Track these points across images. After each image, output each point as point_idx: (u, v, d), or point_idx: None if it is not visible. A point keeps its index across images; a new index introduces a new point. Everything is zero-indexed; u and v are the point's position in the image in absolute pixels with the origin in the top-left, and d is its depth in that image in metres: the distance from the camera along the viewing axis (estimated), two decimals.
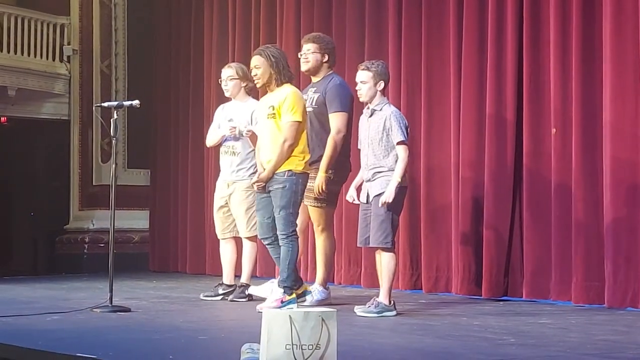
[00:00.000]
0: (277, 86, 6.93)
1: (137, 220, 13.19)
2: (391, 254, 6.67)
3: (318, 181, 7.18)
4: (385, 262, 6.66)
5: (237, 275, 8.14)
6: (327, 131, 7.31)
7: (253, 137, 7.75)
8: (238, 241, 8.15)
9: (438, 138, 8.78)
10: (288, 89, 6.89)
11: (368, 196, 6.74)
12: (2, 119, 14.67)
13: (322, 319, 4.10)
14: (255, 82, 7.08)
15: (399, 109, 7.48)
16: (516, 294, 8.01)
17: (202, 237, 11.69)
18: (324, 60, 7.49)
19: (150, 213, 13.18)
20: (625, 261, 7.18)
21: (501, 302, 7.86)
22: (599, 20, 7.46)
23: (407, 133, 6.71)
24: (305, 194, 7.17)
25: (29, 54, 13.56)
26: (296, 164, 6.82)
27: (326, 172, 7.20)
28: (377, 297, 6.63)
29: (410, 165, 7.16)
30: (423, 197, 8.82)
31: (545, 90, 7.90)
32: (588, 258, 7.43)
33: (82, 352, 4.69)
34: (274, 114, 6.85)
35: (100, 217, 13.16)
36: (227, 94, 8.19)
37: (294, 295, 6.81)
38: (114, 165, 7.13)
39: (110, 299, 6.91)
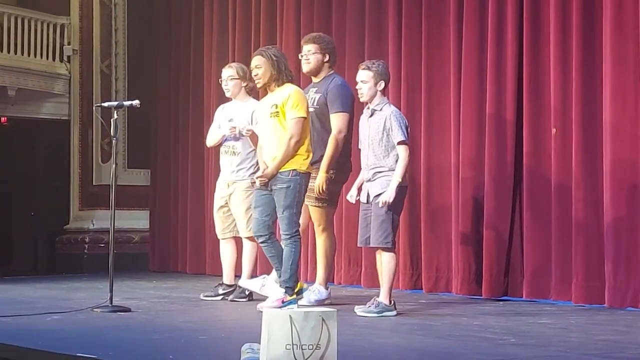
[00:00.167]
0: (278, 86, 6.94)
1: (137, 220, 13.19)
2: (391, 253, 6.67)
3: (319, 181, 7.18)
4: (385, 262, 6.66)
5: (238, 275, 8.14)
6: (329, 131, 7.31)
7: (253, 137, 7.75)
8: (238, 241, 8.16)
9: (438, 138, 8.78)
10: (290, 87, 6.90)
11: (368, 196, 6.74)
12: (2, 119, 14.67)
13: (323, 319, 4.10)
14: (256, 82, 7.08)
15: (399, 109, 7.48)
16: (516, 294, 8.01)
17: (202, 237, 11.69)
18: (325, 60, 7.49)
19: (151, 213, 13.18)
20: (625, 261, 7.18)
21: (501, 302, 7.86)
22: (599, 20, 7.47)
23: (407, 133, 6.71)
24: (306, 193, 7.18)
25: (29, 54, 13.55)
26: (300, 163, 6.82)
27: (327, 172, 7.20)
28: (378, 297, 6.63)
29: (411, 165, 7.16)
30: (423, 197, 8.82)
31: (545, 90, 7.90)
32: (588, 258, 7.43)
33: (82, 352, 4.69)
34: (277, 112, 6.85)
35: (100, 217, 13.15)
36: (227, 94, 8.19)
37: (294, 296, 6.82)
38: (114, 165, 7.13)
39: (111, 299, 6.91)
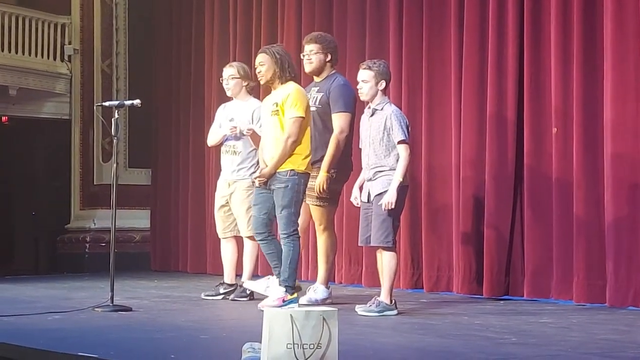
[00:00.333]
0: (281, 84, 6.95)
1: (138, 219, 13.19)
2: (392, 253, 6.67)
3: (319, 180, 7.18)
4: (386, 261, 6.66)
5: (239, 274, 8.15)
6: (330, 131, 7.31)
7: (254, 137, 7.76)
8: (239, 240, 8.16)
9: (439, 137, 8.78)
10: (291, 86, 6.91)
11: (369, 195, 6.74)
12: (3, 118, 14.68)
13: (323, 318, 4.10)
14: (259, 79, 7.10)
15: (400, 109, 7.48)
16: (517, 293, 8.01)
17: (203, 237, 11.70)
18: (327, 60, 7.49)
19: (152, 212, 13.19)
20: (626, 260, 7.18)
21: (502, 301, 7.86)
22: (600, 20, 7.47)
23: (408, 132, 6.71)
24: (307, 192, 7.18)
25: (29, 54, 13.56)
26: (299, 163, 6.83)
27: (328, 171, 7.20)
28: (379, 296, 6.63)
29: (411, 164, 7.16)
30: (424, 196, 8.82)
31: (546, 89, 7.90)
32: (589, 257, 7.43)
33: (83, 352, 4.70)
34: (277, 110, 6.87)
35: (101, 216, 13.16)
36: (228, 93, 8.19)
37: (295, 295, 6.83)
38: (115, 165, 7.13)
39: (112, 298, 6.92)
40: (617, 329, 6.00)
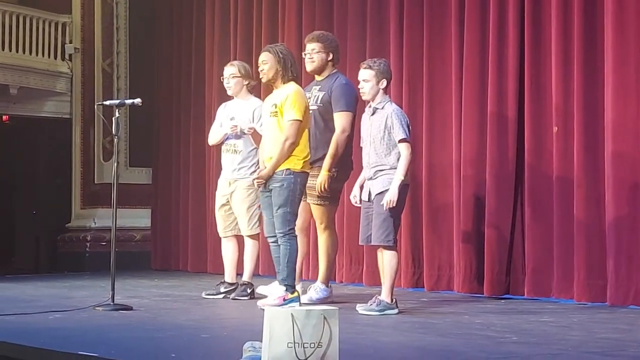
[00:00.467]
0: (283, 83, 6.95)
1: (139, 218, 13.19)
2: (393, 252, 6.67)
3: (320, 179, 7.19)
4: (387, 260, 6.66)
5: (239, 273, 8.15)
6: (331, 129, 7.32)
7: (255, 136, 7.77)
8: (240, 239, 8.17)
9: (440, 136, 8.79)
10: (291, 88, 6.91)
11: (370, 194, 6.74)
12: (4, 117, 14.69)
13: (324, 317, 4.10)
14: (261, 77, 7.11)
15: (401, 107, 7.49)
16: (518, 292, 8.01)
17: (204, 236, 11.70)
18: (329, 59, 7.49)
19: (152, 211, 13.19)
20: (627, 259, 7.18)
21: (503, 300, 7.87)
22: (601, 19, 7.46)
23: (408, 131, 6.71)
24: (307, 192, 7.19)
25: (30, 53, 13.56)
26: (295, 162, 6.85)
27: (329, 170, 7.21)
28: (379, 295, 6.63)
29: (412, 163, 7.16)
30: (425, 195, 8.82)
31: (546, 88, 7.91)
32: (590, 256, 7.43)
33: (84, 351, 4.70)
34: (276, 112, 6.89)
35: (102, 215, 13.16)
36: (229, 92, 8.19)
37: (296, 294, 6.83)
38: (115, 164, 7.13)
39: (113, 297, 6.92)
40: (617, 327, 6.01)
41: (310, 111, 7.18)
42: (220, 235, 8.24)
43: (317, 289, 7.39)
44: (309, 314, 4.09)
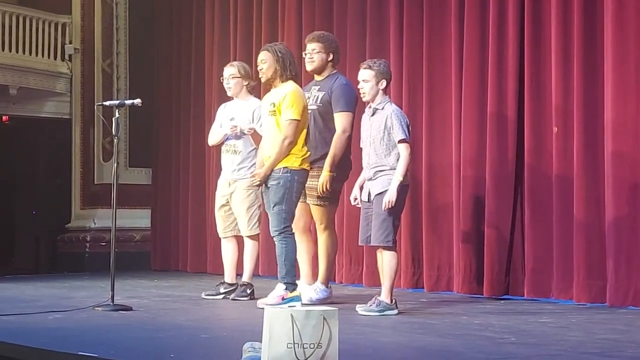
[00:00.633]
0: (282, 82, 6.97)
1: (138, 219, 13.18)
2: (392, 252, 6.68)
3: (322, 180, 7.20)
4: (386, 261, 6.66)
5: (239, 274, 8.15)
6: (331, 129, 7.32)
7: (255, 136, 7.78)
8: (239, 240, 8.17)
9: (439, 136, 8.79)
10: (289, 87, 6.92)
11: (369, 195, 6.74)
12: (4, 117, 14.67)
13: (324, 318, 4.11)
14: (260, 76, 7.12)
15: (401, 108, 7.50)
16: (517, 293, 8.01)
17: (204, 236, 11.70)
18: (329, 59, 7.50)
19: (152, 212, 13.18)
20: (626, 260, 7.19)
21: (502, 301, 7.87)
22: (600, 18, 7.47)
23: (408, 131, 6.72)
24: (307, 192, 7.20)
25: (30, 53, 13.54)
26: (292, 161, 6.87)
27: (331, 171, 7.21)
28: (379, 295, 6.63)
29: (412, 163, 7.17)
30: (424, 195, 8.82)
31: (546, 88, 7.91)
32: (589, 256, 7.44)
33: (84, 351, 4.70)
34: (274, 111, 6.91)
35: (101, 215, 13.15)
36: (229, 93, 8.20)
37: (296, 293, 6.83)
38: (115, 164, 7.13)
39: (112, 297, 6.92)
40: (616, 328, 6.01)
41: (310, 111, 7.20)
42: (220, 235, 8.24)
43: (316, 290, 7.39)
44: (308, 314, 4.10)
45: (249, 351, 4.31)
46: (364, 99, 6.88)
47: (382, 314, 6.51)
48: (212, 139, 8.25)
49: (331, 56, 7.51)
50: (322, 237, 7.46)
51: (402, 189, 6.65)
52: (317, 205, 7.37)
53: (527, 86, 8.02)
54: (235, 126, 7.93)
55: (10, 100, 13.59)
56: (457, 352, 4.93)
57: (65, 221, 13.86)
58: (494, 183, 8.17)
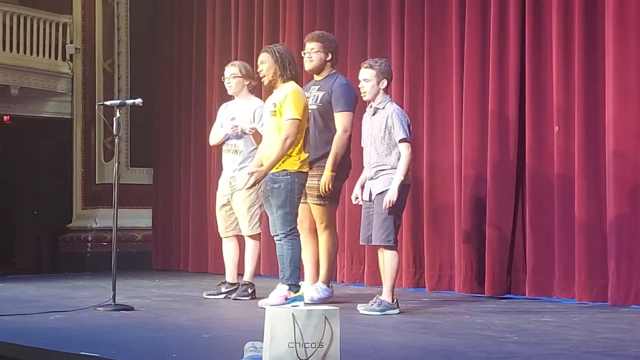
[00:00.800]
0: (282, 82, 6.97)
1: (139, 218, 13.19)
2: (394, 252, 6.68)
3: (324, 180, 7.20)
4: (387, 260, 6.66)
5: (240, 273, 8.15)
6: (331, 129, 7.33)
7: (256, 136, 7.77)
8: (240, 239, 8.17)
9: (440, 136, 8.79)
10: (290, 87, 6.93)
11: (371, 194, 6.74)
12: (5, 117, 14.69)
13: (325, 317, 4.11)
14: (261, 78, 7.12)
15: (402, 107, 7.49)
16: (519, 292, 8.01)
17: (205, 236, 11.70)
18: (328, 59, 7.51)
19: (153, 211, 13.19)
20: (628, 259, 7.18)
21: (504, 300, 7.86)
22: (602, 18, 7.46)
23: (409, 131, 6.71)
24: (307, 192, 7.19)
25: (31, 53, 13.55)
26: (292, 163, 6.86)
27: (332, 171, 7.21)
28: (380, 295, 6.63)
29: (413, 163, 7.17)
30: (426, 195, 8.82)
31: (547, 88, 7.91)
32: (591, 256, 7.43)
33: (85, 351, 4.70)
34: (275, 111, 6.91)
35: (103, 215, 13.16)
36: (230, 92, 8.20)
37: (300, 293, 6.84)
38: (116, 164, 7.13)
39: (114, 297, 6.92)
40: (618, 327, 6.00)
41: (310, 111, 7.19)
42: (221, 235, 8.24)
43: (318, 289, 7.39)
44: (310, 314, 4.09)
45: (251, 351, 4.31)
46: (364, 98, 6.88)
47: (383, 313, 6.51)
48: (213, 138, 8.24)
49: (330, 56, 7.51)
50: (323, 237, 7.46)
51: (403, 188, 6.65)
52: (317, 204, 7.37)
53: (528, 86, 8.02)
54: (236, 126, 7.93)
55: (12, 100, 13.60)
56: (459, 352, 4.92)
57: (67, 221, 13.87)
58: (495, 182, 8.17)
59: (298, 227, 7.03)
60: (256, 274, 8.17)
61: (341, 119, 7.29)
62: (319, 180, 7.25)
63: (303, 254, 7.21)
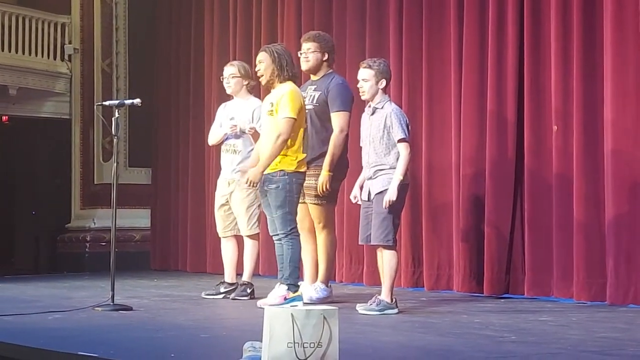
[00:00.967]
0: (280, 82, 6.98)
1: (138, 218, 13.18)
2: (392, 251, 6.68)
3: (322, 180, 7.20)
4: (386, 260, 6.66)
5: (239, 273, 8.15)
6: (327, 129, 7.33)
7: (255, 136, 7.78)
8: (239, 239, 8.17)
9: (439, 136, 8.79)
10: (287, 87, 6.94)
11: (369, 194, 6.74)
12: (4, 118, 14.68)
13: (324, 317, 4.11)
14: (259, 77, 7.12)
15: (400, 107, 7.49)
16: (517, 292, 8.01)
17: (203, 236, 11.70)
18: (324, 59, 7.51)
19: (152, 211, 13.19)
20: (626, 258, 7.19)
21: (502, 300, 7.87)
22: (600, 18, 7.47)
23: (408, 130, 6.72)
24: (305, 192, 7.20)
25: (30, 53, 13.55)
26: (289, 163, 6.87)
27: (330, 170, 7.22)
28: (379, 294, 6.64)
29: (412, 162, 7.17)
30: (424, 194, 8.82)
31: (546, 87, 7.91)
32: (589, 255, 7.44)
33: (84, 351, 4.70)
34: (272, 110, 6.93)
35: (101, 215, 13.15)
36: (228, 92, 8.21)
37: (298, 293, 6.84)
38: (115, 164, 7.13)
39: (112, 297, 6.92)
40: (616, 326, 6.01)
41: (307, 110, 7.20)
42: (220, 235, 8.24)
43: (317, 289, 7.39)
44: (308, 313, 4.10)
45: (250, 350, 4.31)
46: (363, 98, 6.88)
47: (382, 313, 6.52)
48: (212, 138, 8.25)
49: (326, 56, 7.52)
50: (321, 236, 7.46)
51: (402, 188, 6.65)
52: (315, 204, 7.37)
53: (526, 86, 8.02)
54: (235, 125, 7.94)
55: (10, 101, 13.59)
56: (458, 351, 4.93)
57: (65, 221, 13.86)
58: (493, 182, 8.17)
59: (299, 226, 7.04)
60: (255, 273, 8.17)
61: (338, 119, 7.30)
62: (316, 180, 7.25)
63: (303, 253, 7.22)
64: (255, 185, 6.97)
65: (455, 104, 8.55)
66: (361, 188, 6.87)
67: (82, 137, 13.76)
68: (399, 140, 6.65)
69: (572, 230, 7.55)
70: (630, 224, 7.20)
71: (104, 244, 12.80)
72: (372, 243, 6.72)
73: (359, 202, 6.88)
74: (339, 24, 9.83)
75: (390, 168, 6.67)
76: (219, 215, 8.18)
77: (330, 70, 7.55)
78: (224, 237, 8.20)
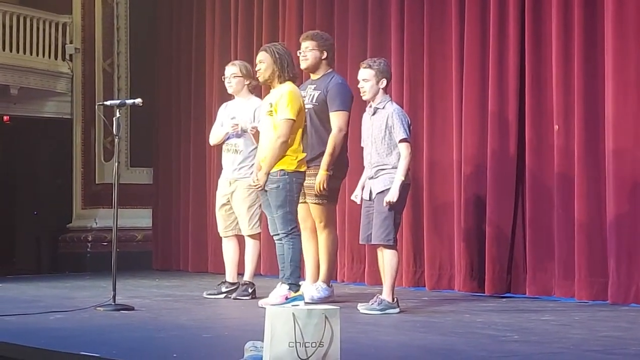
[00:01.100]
0: (279, 83, 6.97)
1: (140, 218, 13.18)
2: (393, 251, 6.68)
3: (319, 179, 7.20)
4: (387, 260, 6.66)
5: (240, 273, 8.15)
6: (327, 128, 7.33)
7: (256, 135, 7.77)
8: (240, 239, 8.17)
9: (440, 135, 8.79)
10: (286, 87, 6.93)
11: (371, 193, 6.74)
12: (5, 117, 14.68)
13: (326, 317, 4.11)
14: (258, 76, 7.12)
15: (402, 106, 7.50)
16: (519, 291, 8.01)
17: (205, 235, 11.70)
18: (323, 58, 7.51)
19: (153, 211, 13.18)
20: (628, 257, 7.19)
21: (504, 299, 7.87)
22: (601, 16, 7.47)
23: (409, 130, 6.71)
24: (305, 191, 7.20)
25: (31, 53, 13.55)
26: (288, 163, 6.87)
27: (327, 170, 7.22)
28: (380, 294, 6.63)
29: (413, 162, 7.17)
30: (426, 194, 8.82)
31: (547, 86, 7.91)
32: (591, 254, 7.43)
33: (85, 351, 4.70)
34: (271, 111, 6.93)
35: (103, 215, 13.16)
36: (230, 91, 8.21)
37: (299, 293, 6.84)
38: (116, 164, 7.13)
39: (114, 297, 6.92)
40: (619, 326, 6.01)
41: (306, 110, 7.19)
42: (221, 235, 8.24)
43: (318, 288, 7.39)
44: (310, 313, 4.10)
45: (251, 350, 4.31)
46: (364, 98, 6.88)
47: (383, 312, 6.51)
48: (214, 138, 8.24)
49: (325, 54, 7.51)
50: (323, 236, 7.46)
51: (404, 187, 6.65)
52: (315, 203, 7.37)
53: (527, 84, 8.02)
54: (237, 124, 7.93)
55: (11, 100, 13.60)
56: (460, 351, 4.92)
57: (67, 221, 13.87)
58: (495, 181, 8.17)
59: (301, 226, 7.03)
60: (256, 273, 8.17)
61: (337, 119, 7.30)
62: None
63: (304, 253, 7.21)
64: (262, 187, 6.95)
65: (456, 102, 8.55)
66: (363, 188, 6.86)
67: (83, 137, 13.76)
68: (401, 141, 6.64)
69: (573, 229, 7.55)
70: (632, 223, 7.19)
71: (105, 243, 12.79)
72: (372, 242, 6.72)
73: (361, 200, 6.87)
74: (341, 23, 9.82)
75: (392, 168, 6.67)
76: (220, 215, 8.18)
77: (330, 70, 7.55)
78: (225, 237, 8.20)
